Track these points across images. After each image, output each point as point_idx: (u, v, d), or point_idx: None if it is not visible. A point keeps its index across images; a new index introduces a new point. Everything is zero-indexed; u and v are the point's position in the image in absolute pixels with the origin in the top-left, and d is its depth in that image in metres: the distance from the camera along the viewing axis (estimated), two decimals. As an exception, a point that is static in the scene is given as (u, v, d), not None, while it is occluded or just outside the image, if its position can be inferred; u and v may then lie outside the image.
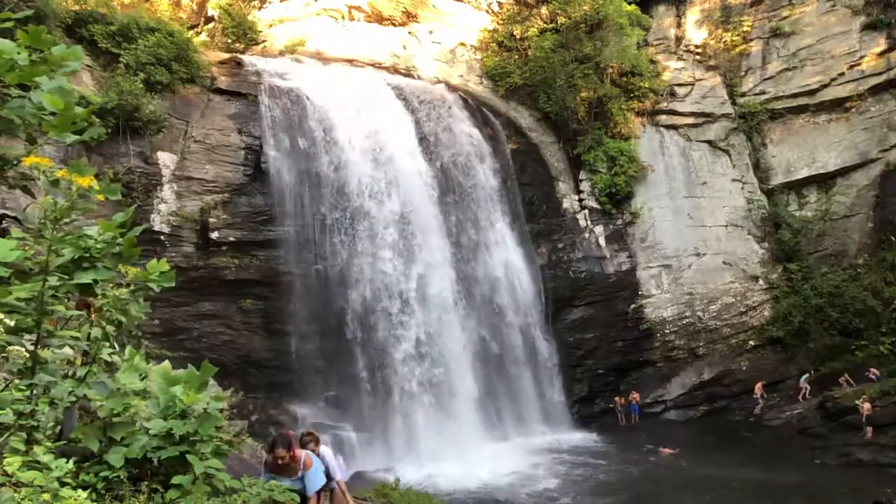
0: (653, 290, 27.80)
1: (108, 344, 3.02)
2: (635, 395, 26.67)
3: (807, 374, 26.36)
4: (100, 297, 3.03)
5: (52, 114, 2.90)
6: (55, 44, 2.95)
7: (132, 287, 3.15)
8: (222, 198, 21.14)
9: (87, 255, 2.90)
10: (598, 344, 26.96)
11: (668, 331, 27.72)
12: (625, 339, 27.37)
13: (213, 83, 22.81)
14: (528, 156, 28.06)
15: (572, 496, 18.36)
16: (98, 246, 2.92)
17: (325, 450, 7.89)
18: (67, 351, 3.24)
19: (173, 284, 3.20)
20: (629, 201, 28.29)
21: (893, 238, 27.29)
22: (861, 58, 29.09)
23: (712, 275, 28.45)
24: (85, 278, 2.89)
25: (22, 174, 3.09)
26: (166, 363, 3.54)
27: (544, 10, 29.54)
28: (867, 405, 21.54)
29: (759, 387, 26.56)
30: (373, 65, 28.25)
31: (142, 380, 3.48)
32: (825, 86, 29.44)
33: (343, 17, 29.93)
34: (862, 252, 28.34)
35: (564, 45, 28.24)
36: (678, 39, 31.49)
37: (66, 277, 2.92)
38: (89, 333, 2.88)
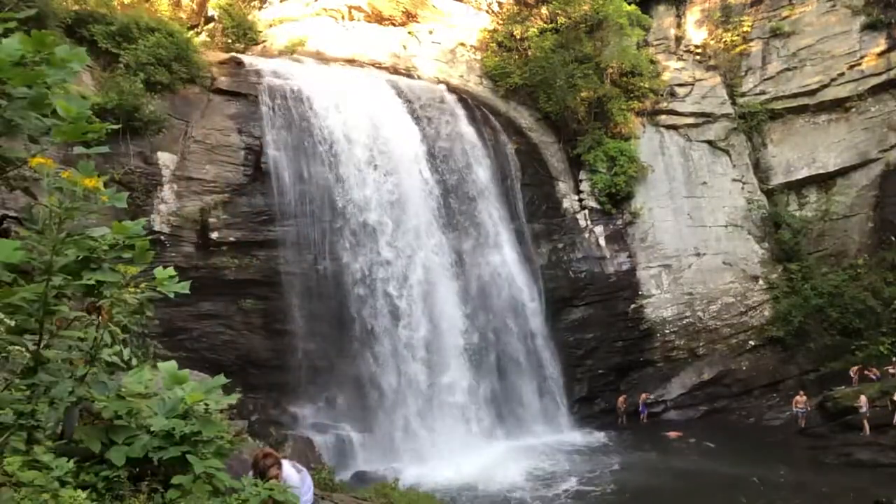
0: (653, 290, 27.79)
1: (115, 345, 3.02)
2: (642, 396, 26.61)
3: None
4: (106, 298, 3.03)
5: (55, 112, 2.89)
6: (57, 44, 2.94)
7: (143, 289, 3.15)
8: (222, 198, 21.12)
9: (94, 255, 2.91)
10: (598, 344, 26.96)
11: (668, 331, 27.72)
12: (625, 339, 27.36)
13: (213, 83, 22.80)
14: (528, 156, 28.04)
15: (572, 496, 18.38)
16: (104, 247, 2.92)
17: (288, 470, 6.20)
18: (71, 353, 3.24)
19: (188, 291, 3.20)
20: (629, 201, 28.28)
21: (893, 238, 27.30)
22: (861, 58, 29.08)
23: (712, 275, 28.44)
24: (91, 279, 2.90)
25: (23, 175, 3.09)
26: (172, 362, 3.54)
27: (544, 10, 29.51)
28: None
29: (802, 400, 24.79)
30: (373, 65, 28.23)
31: (146, 383, 3.48)
32: (825, 86, 29.42)
33: (343, 17, 29.92)
34: (862, 252, 28.34)
35: (564, 45, 28.23)
36: (678, 39, 31.48)
37: (71, 278, 2.92)
38: (95, 336, 2.88)
